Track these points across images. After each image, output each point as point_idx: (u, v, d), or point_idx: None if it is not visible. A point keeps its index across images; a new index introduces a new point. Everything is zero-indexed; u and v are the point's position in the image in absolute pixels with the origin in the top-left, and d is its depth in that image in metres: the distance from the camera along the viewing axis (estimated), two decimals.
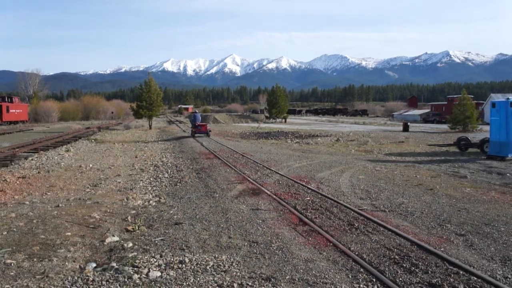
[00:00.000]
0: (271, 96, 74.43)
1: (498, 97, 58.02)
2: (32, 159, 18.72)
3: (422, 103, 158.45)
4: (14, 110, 57.84)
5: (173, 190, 11.77)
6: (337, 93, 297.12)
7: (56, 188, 12.39)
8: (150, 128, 48.48)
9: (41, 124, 61.14)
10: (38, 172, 15.13)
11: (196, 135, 33.48)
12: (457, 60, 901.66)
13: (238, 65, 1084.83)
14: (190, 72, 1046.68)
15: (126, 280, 5.36)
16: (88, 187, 12.48)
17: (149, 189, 12.20)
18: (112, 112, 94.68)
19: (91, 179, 13.86)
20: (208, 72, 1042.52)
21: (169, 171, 15.47)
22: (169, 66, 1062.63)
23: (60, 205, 9.91)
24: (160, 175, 14.52)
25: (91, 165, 16.93)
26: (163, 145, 27.23)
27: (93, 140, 30.46)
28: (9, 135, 37.73)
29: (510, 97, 18.88)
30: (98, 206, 9.90)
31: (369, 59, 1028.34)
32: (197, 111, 52.94)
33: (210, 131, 34.16)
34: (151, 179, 13.87)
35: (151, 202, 10.34)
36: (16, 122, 58.13)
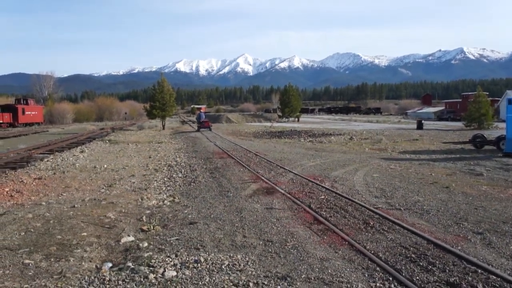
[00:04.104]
0: (283, 95, 74.33)
1: None
2: (47, 160, 18.88)
3: (436, 100, 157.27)
4: (29, 112, 58.45)
5: (187, 190, 11.79)
6: (350, 92, 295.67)
7: (71, 188, 12.49)
8: (164, 128, 48.69)
9: (56, 126, 61.73)
10: (54, 173, 15.26)
11: (200, 129, 42.13)
12: (472, 57, 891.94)
13: (250, 64, 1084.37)
14: (202, 72, 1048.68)
15: (142, 279, 5.38)
16: (103, 188, 12.55)
17: (163, 189, 12.24)
18: (126, 113, 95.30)
19: (105, 180, 13.94)
20: (221, 72, 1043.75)
21: (183, 170, 15.51)
22: (182, 67, 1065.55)
23: (75, 205, 9.98)
24: (174, 175, 14.56)
25: (105, 166, 17.03)
26: (176, 145, 27.33)
27: (107, 141, 30.64)
28: (25, 136, 38.12)
29: None
30: (113, 206, 9.95)
31: (382, 57, 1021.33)
32: (201, 111, 62.94)
33: (211, 126, 43.69)
34: (165, 179, 13.92)
35: (165, 202, 10.37)
36: (31, 124, 58.71)
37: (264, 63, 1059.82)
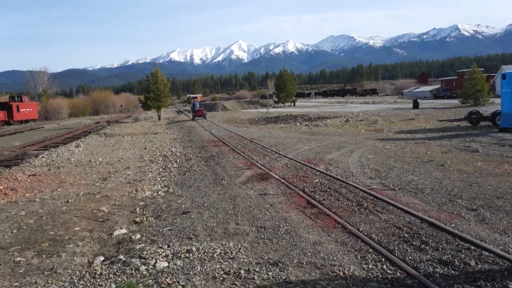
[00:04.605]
0: (278, 80, 73.96)
1: (509, 69, 57.14)
2: (42, 157, 18.81)
3: (432, 79, 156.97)
4: (24, 109, 58.15)
5: (182, 180, 11.74)
6: (346, 74, 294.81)
7: (66, 184, 12.44)
8: (159, 119, 48.50)
9: (51, 122, 61.51)
10: (49, 169, 15.21)
11: (195, 118, 42.17)
12: (467, 34, 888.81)
13: (244, 51, 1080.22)
14: (197, 61, 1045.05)
15: (133, 272, 5.33)
16: (98, 181, 12.51)
17: (158, 179, 12.20)
18: (121, 106, 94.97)
19: (100, 173, 13.89)
20: (215, 60, 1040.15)
21: (178, 160, 15.45)
22: (176, 56, 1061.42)
23: (69, 200, 9.93)
24: (169, 165, 14.51)
25: (100, 159, 16.97)
26: (172, 135, 27.25)
27: (102, 134, 30.54)
28: (20, 134, 37.98)
29: None
30: (107, 199, 9.90)
31: (376, 37, 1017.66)
32: (196, 100, 61.96)
33: (206, 114, 44.12)
34: (160, 169, 13.87)
35: (159, 192, 10.32)
36: (27, 121, 58.45)
37: (259, 49, 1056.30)
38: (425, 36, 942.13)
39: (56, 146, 23.88)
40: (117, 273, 5.36)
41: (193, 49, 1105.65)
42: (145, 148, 20.32)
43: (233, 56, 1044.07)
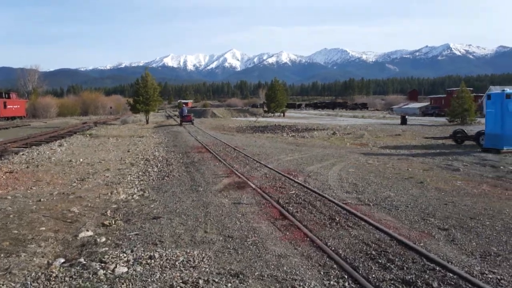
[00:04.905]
0: (269, 90, 74.20)
1: (497, 90, 57.64)
2: (23, 154, 18.58)
3: (422, 96, 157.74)
4: (11, 106, 57.66)
5: (159, 184, 11.59)
6: (338, 87, 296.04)
7: (42, 182, 12.24)
8: (147, 122, 48.30)
9: (39, 120, 61.00)
10: (27, 167, 15.01)
11: (183, 123, 42.32)
12: (458, 53, 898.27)
13: (238, 59, 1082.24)
14: (190, 67, 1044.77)
15: (90, 276, 5.18)
16: (75, 182, 12.32)
17: (136, 183, 12.03)
18: (111, 107, 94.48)
19: (79, 174, 13.70)
20: (208, 67, 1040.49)
21: (159, 165, 15.30)
22: (169, 61, 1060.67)
23: (41, 199, 9.74)
24: (149, 169, 14.36)
25: (81, 160, 16.77)
26: (157, 139, 27.07)
27: (87, 135, 30.28)
28: (5, 130, 37.61)
29: (506, 89, 18.62)
30: (80, 200, 9.72)
31: (369, 52, 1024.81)
32: (184, 106, 62.49)
33: (193, 120, 44.57)
34: (140, 173, 13.70)
35: (134, 196, 10.16)
36: (13, 117, 57.95)
37: (252, 59, 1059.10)
38: (417, 54, 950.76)
39: (39, 144, 23.60)
40: (73, 277, 5.19)
41: (187, 55, 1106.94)
42: (128, 151, 20.14)
43: (226, 64, 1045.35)
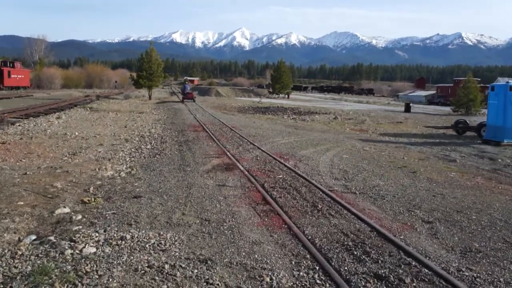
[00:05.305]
0: (275, 71, 73.63)
1: (505, 81, 56.98)
2: (19, 125, 18.48)
3: (430, 84, 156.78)
4: (15, 76, 57.45)
5: (149, 162, 11.45)
6: (345, 71, 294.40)
7: (33, 155, 12.12)
8: (150, 98, 48.09)
9: (42, 91, 60.84)
10: (21, 138, 14.90)
11: (184, 100, 42.80)
12: (469, 43, 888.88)
13: (247, 39, 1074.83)
14: (198, 44, 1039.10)
15: (56, 255, 5.03)
16: (66, 156, 12.20)
17: (127, 159, 11.90)
18: (116, 81, 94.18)
19: (72, 148, 13.57)
20: (217, 45, 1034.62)
21: (153, 142, 15.16)
22: (178, 37, 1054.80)
23: (28, 172, 9.61)
24: (142, 146, 14.22)
25: (76, 133, 16.66)
26: (157, 115, 26.92)
27: (88, 109, 30.15)
28: (7, 100, 37.47)
29: (510, 81, 18.30)
30: (66, 175, 9.58)
31: (379, 38, 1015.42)
32: (186, 83, 60.08)
33: (195, 97, 45.14)
34: (132, 149, 13.56)
35: (121, 173, 10.01)
36: (17, 87, 57.77)
37: (261, 38, 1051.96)
38: (428, 41, 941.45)
39: (37, 116, 23.49)
40: (39, 255, 5.06)
41: (196, 32, 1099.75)
42: (125, 127, 20.02)
43: (235, 43, 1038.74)
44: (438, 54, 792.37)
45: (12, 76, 56.15)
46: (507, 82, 18.09)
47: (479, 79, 55.59)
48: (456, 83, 74.16)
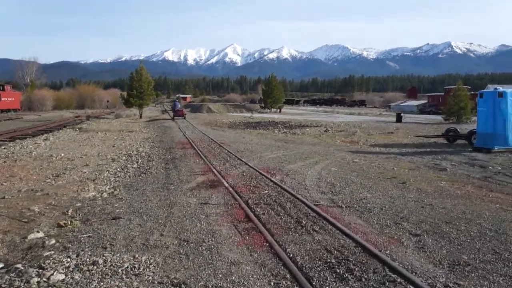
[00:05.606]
0: (266, 86, 73.63)
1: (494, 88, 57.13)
2: (4, 148, 18.27)
3: (421, 94, 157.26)
4: (5, 98, 57.20)
5: (133, 182, 11.19)
6: (337, 84, 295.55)
7: (15, 178, 11.89)
8: (141, 117, 47.87)
9: (33, 113, 60.64)
10: (4, 161, 14.70)
11: (175, 118, 42.25)
12: (459, 51, 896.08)
13: (238, 54, 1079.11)
14: (190, 61, 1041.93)
15: (22, 284, 4.77)
16: (49, 178, 11.96)
17: (111, 180, 11.65)
18: (108, 101, 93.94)
19: (56, 169, 13.34)
20: (209, 62, 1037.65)
21: (140, 161, 14.92)
22: (170, 56, 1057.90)
23: (6, 196, 9.40)
24: (128, 165, 13.99)
25: (62, 155, 16.43)
26: (146, 134, 26.69)
27: (77, 129, 29.92)
28: None
29: (499, 88, 18.22)
30: (46, 198, 9.33)
31: (370, 49, 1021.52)
32: (177, 100, 63.27)
33: (185, 114, 44.97)
34: (118, 169, 13.32)
35: (103, 194, 9.75)
36: (8, 110, 57.48)
37: (253, 54, 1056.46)
38: (418, 51, 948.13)
39: (24, 138, 23.24)
40: (3, 286, 4.79)
41: (188, 49, 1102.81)
42: (113, 146, 19.78)
43: (227, 59, 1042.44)
44: (428, 64, 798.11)
45: (2, 99, 55.89)
46: (495, 88, 18.00)
47: (469, 87, 55.72)
48: (447, 91, 74.34)
